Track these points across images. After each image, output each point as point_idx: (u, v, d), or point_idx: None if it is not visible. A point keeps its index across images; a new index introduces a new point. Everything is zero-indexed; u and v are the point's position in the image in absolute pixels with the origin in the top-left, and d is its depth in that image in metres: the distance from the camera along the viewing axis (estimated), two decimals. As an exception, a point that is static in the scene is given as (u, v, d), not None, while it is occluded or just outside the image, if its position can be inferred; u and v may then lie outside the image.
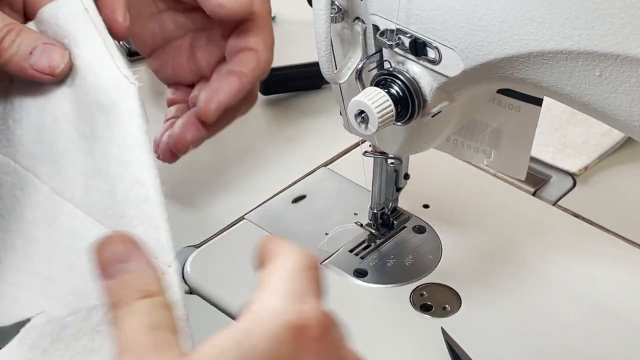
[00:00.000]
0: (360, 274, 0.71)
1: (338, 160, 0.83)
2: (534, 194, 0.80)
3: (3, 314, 0.57)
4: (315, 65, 0.89)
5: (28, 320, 0.56)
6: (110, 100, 0.56)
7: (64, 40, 0.58)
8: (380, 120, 0.57)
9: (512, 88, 0.62)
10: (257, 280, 0.45)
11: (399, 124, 0.59)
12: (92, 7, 0.59)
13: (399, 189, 0.72)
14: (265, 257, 0.47)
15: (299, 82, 0.90)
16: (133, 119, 0.55)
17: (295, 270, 0.45)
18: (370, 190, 0.73)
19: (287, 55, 0.94)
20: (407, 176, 0.72)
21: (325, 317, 0.43)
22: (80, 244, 0.55)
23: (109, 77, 0.57)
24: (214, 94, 0.71)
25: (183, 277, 0.71)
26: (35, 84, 0.59)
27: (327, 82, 0.88)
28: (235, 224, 0.76)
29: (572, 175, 0.82)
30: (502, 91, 0.65)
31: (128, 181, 0.54)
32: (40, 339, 0.55)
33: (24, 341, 0.55)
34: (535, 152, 0.79)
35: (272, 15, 1.01)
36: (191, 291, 0.70)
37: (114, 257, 0.47)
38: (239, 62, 0.72)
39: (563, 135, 0.84)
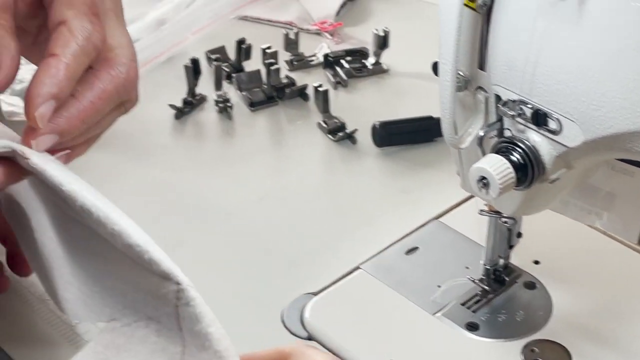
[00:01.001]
0: (472, 327, 0.74)
1: (450, 213, 0.85)
2: (644, 254, 0.81)
3: (89, 315, 0.63)
4: (428, 119, 0.94)
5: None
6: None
7: None
8: (501, 186, 0.60)
9: (632, 159, 0.64)
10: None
11: (517, 189, 0.62)
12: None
13: (511, 247, 0.75)
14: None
15: (412, 135, 0.93)
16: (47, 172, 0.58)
17: None
18: (482, 244, 0.76)
19: (400, 108, 0.98)
20: (520, 235, 0.74)
21: None
22: (111, 267, 0.61)
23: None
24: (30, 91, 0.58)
25: (302, 323, 0.75)
26: None
27: (440, 135, 0.92)
28: (351, 274, 0.79)
29: (682, 235, 0.82)
30: (616, 155, 0.67)
31: (105, 231, 0.58)
32: (116, 338, 0.61)
33: (100, 341, 0.60)
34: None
35: (386, 67, 1.05)
36: (310, 337, 0.74)
37: None
38: (52, 42, 0.59)
39: (674, 196, 0.85)
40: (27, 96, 0.58)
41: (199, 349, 0.58)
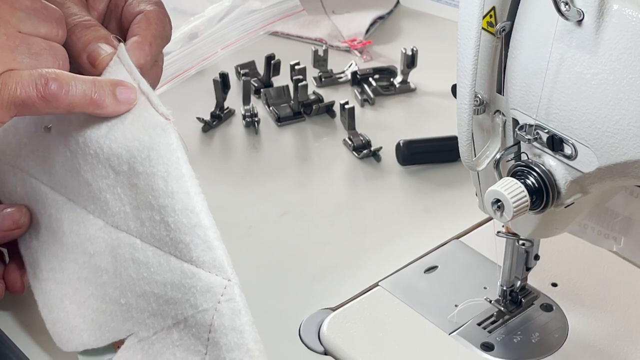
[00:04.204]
0: (487, 347, 0.74)
1: (470, 233, 0.86)
2: (663, 279, 0.81)
3: (96, 337, 0.65)
4: (452, 138, 0.94)
5: (122, 341, 0.63)
6: (149, 137, 0.62)
7: None
8: (515, 209, 0.61)
9: (645, 186, 0.65)
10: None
11: (532, 212, 0.63)
12: (125, 54, 0.66)
13: (528, 269, 0.75)
14: None
15: (436, 154, 0.94)
16: (173, 152, 0.61)
17: None
18: (500, 265, 0.76)
19: (426, 127, 0.99)
20: (537, 257, 0.74)
21: None
22: (144, 270, 0.62)
23: (146, 118, 0.62)
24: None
25: (319, 337, 0.76)
26: (69, 133, 0.66)
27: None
28: (369, 290, 0.80)
29: (702, 262, 0.82)
30: (635, 181, 0.67)
31: (179, 210, 0.60)
32: (133, 356, 0.63)
33: (120, 359, 0.63)
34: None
35: (413, 86, 1.06)
36: (326, 352, 0.75)
37: None
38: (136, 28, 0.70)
39: (695, 222, 0.85)
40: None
41: (228, 348, 0.60)
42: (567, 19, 0.56)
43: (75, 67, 0.67)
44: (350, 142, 0.97)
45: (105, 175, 0.65)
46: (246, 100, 1.00)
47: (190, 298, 0.61)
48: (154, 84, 0.70)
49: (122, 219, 0.64)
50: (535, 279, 0.79)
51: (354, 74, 1.06)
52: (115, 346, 0.66)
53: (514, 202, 0.61)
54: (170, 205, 0.61)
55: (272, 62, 1.03)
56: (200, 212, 0.61)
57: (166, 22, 0.71)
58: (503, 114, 0.64)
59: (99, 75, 0.66)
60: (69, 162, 0.67)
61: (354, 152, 0.96)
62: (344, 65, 1.09)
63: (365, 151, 0.95)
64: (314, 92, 1.02)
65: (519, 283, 0.76)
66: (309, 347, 0.75)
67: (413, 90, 1.06)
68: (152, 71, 0.70)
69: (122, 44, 0.67)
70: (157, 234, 0.62)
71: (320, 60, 1.06)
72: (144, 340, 0.63)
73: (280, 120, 1.00)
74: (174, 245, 0.61)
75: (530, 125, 0.61)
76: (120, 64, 0.66)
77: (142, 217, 0.63)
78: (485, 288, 0.79)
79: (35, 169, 0.69)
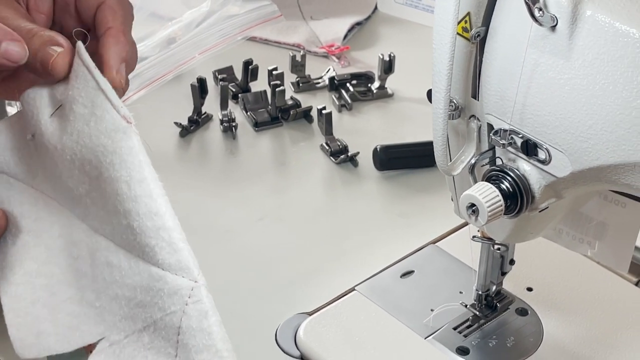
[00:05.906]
0: (462, 351, 0.75)
1: (446, 238, 0.86)
2: (636, 284, 0.82)
3: (64, 341, 0.64)
4: (429, 144, 0.94)
5: (93, 345, 0.63)
6: (112, 142, 0.61)
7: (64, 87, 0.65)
8: (490, 214, 0.61)
9: (618, 190, 0.65)
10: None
11: (507, 217, 0.63)
12: (84, 52, 0.64)
13: (504, 273, 0.75)
14: None
15: (412, 159, 0.94)
16: (135, 156, 0.61)
17: None
18: (476, 269, 0.77)
19: (403, 132, 1.00)
20: (512, 262, 0.75)
21: None
22: (117, 274, 0.62)
23: (108, 120, 0.61)
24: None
25: (296, 342, 0.76)
26: (49, 140, 0.65)
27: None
28: (346, 295, 0.80)
29: (675, 266, 0.83)
30: (609, 186, 0.68)
31: (142, 213, 0.60)
32: None
33: None
34: (638, 242, 0.81)
35: (391, 92, 1.07)
36: (302, 356, 0.75)
37: None
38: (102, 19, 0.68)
39: (669, 227, 0.86)
40: (104, 64, 0.65)
41: (197, 350, 0.60)
42: (541, 24, 0.57)
43: (34, 78, 0.66)
44: (327, 147, 0.97)
45: (82, 181, 0.65)
46: (224, 105, 1.00)
47: (158, 301, 0.61)
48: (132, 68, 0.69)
49: (99, 223, 0.64)
50: (511, 284, 0.79)
51: (332, 79, 1.06)
52: (87, 350, 0.66)
53: (488, 207, 0.61)
54: (135, 209, 0.61)
55: (250, 67, 1.04)
56: (164, 215, 0.61)
57: (127, 2, 0.70)
58: (478, 119, 0.64)
59: (59, 79, 0.65)
60: (53, 168, 0.67)
61: (332, 157, 0.96)
62: (322, 70, 1.09)
63: (342, 156, 0.95)
64: (291, 98, 1.03)
65: (494, 287, 0.76)
66: (285, 352, 0.75)
67: (390, 95, 1.06)
68: (131, 60, 0.69)
69: (79, 42, 0.65)
70: (126, 238, 0.62)
71: (298, 66, 1.06)
72: (115, 344, 0.63)
73: (257, 125, 1.00)
74: (141, 249, 0.62)
75: (505, 130, 0.62)
76: (82, 65, 0.64)
77: (112, 222, 0.63)
78: (461, 292, 0.80)
79: (23, 174, 0.69)
